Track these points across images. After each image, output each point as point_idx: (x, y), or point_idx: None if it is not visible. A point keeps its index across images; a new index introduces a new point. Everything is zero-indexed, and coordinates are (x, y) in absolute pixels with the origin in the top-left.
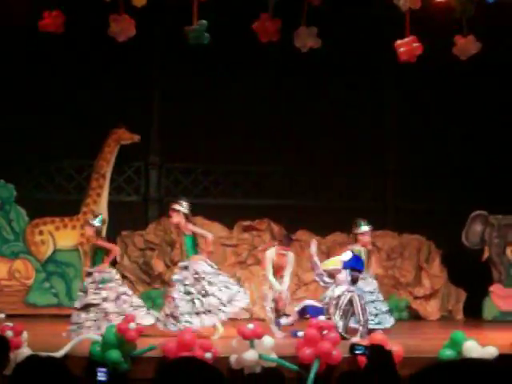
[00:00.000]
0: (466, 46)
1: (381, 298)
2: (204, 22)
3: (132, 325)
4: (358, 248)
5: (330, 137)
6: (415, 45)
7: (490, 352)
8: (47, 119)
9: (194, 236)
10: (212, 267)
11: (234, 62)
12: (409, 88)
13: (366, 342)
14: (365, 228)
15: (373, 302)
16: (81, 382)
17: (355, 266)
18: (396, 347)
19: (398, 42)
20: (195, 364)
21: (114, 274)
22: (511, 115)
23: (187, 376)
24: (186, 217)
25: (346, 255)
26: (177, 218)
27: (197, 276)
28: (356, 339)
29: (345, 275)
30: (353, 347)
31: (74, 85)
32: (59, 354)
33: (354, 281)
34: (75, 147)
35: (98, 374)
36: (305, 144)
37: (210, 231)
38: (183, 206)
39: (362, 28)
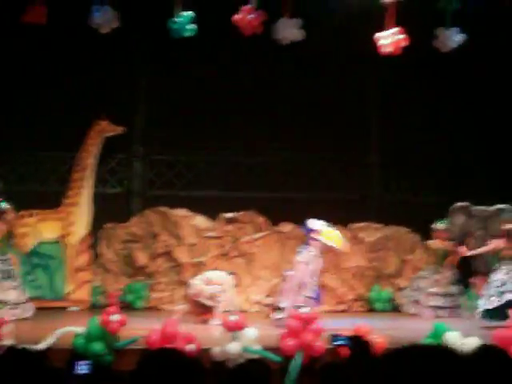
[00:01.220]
0: (448, 38)
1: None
2: (189, 13)
3: (115, 317)
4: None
5: (313, 129)
6: (400, 36)
7: (471, 342)
8: (29, 111)
9: None
10: None
11: (219, 53)
12: (393, 80)
13: (348, 333)
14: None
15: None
16: (63, 374)
17: None
18: (379, 338)
19: (380, 33)
20: (175, 355)
21: None
22: (496, 106)
23: (166, 367)
24: None
25: None
26: None
27: None
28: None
29: None
30: (333, 338)
31: (57, 76)
32: (41, 346)
33: None
34: (58, 139)
35: (79, 367)
36: (289, 136)
37: (193, 223)
38: None
39: (345, 19)
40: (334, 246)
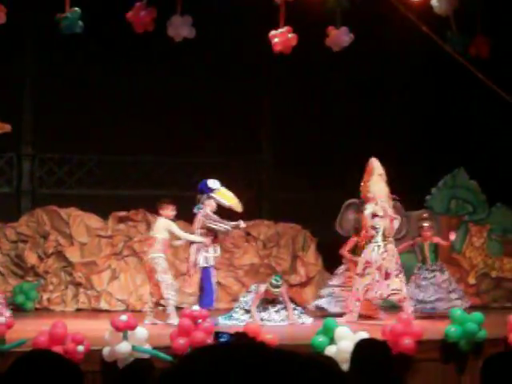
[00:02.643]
0: (339, 37)
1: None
2: (77, 9)
3: (1, 319)
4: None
5: (203, 126)
6: (290, 35)
7: (361, 337)
8: None
9: None
10: None
11: (108, 50)
12: (283, 78)
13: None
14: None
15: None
16: None
17: None
18: (269, 335)
19: (273, 32)
20: (47, 356)
21: None
22: (381, 102)
23: (36, 369)
24: None
25: None
26: None
27: None
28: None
29: None
30: (217, 335)
31: None
32: None
33: None
34: None
35: None
36: (180, 133)
37: (84, 222)
38: None
39: (237, 18)
40: (231, 204)
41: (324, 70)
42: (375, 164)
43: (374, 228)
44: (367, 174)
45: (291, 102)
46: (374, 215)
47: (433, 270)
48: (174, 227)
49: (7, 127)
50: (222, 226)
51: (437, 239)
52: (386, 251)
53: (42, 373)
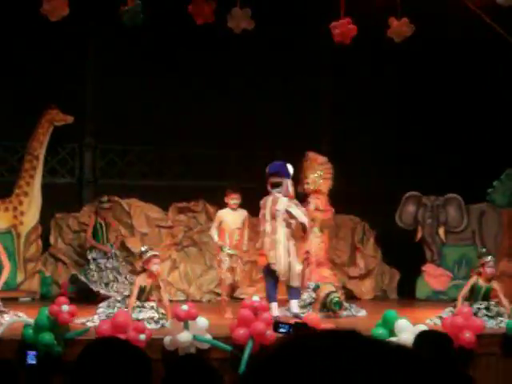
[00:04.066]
0: (400, 28)
1: None
2: (138, 2)
3: (65, 307)
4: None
5: (264, 122)
6: (350, 26)
7: (421, 329)
8: None
9: None
10: None
11: (169, 42)
12: (343, 71)
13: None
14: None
15: None
16: (13, 365)
17: None
18: (329, 326)
19: (333, 23)
20: (118, 344)
21: None
22: (445, 95)
23: (109, 357)
24: None
25: None
26: None
27: None
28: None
29: None
30: (277, 325)
31: (6, 65)
32: None
33: None
34: (8, 128)
35: (28, 357)
36: (241, 128)
37: (145, 213)
38: None
39: (298, 10)
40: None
41: (384, 61)
42: (317, 157)
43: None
44: (310, 168)
45: (350, 93)
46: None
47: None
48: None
49: (69, 118)
50: (303, 213)
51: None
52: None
53: (113, 359)
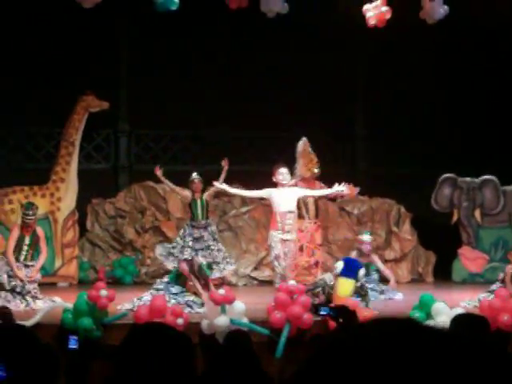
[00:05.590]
0: (433, 9)
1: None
2: None
3: (104, 292)
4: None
5: (298, 101)
6: (384, 9)
7: (458, 312)
8: (16, 88)
9: None
10: None
11: (201, 27)
12: (377, 52)
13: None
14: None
15: None
16: (52, 349)
17: (350, 273)
18: (367, 310)
19: (367, 5)
20: (163, 329)
21: None
22: (479, 77)
23: (154, 341)
24: None
25: (338, 266)
26: None
27: None
28: None
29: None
30: (317, 308)
31: (42, 52)
32: (30, 322)
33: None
34: (44, 115)
35: (70, 341)
36: (275, 109)
37: (180, 198)
38: None
39: None
40: None
41: (418, 44)
42: (306, 147)
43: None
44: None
45: (385, 77)
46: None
47: None
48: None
49: (105, 104)
50: None
51: None
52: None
53: (159, 344)
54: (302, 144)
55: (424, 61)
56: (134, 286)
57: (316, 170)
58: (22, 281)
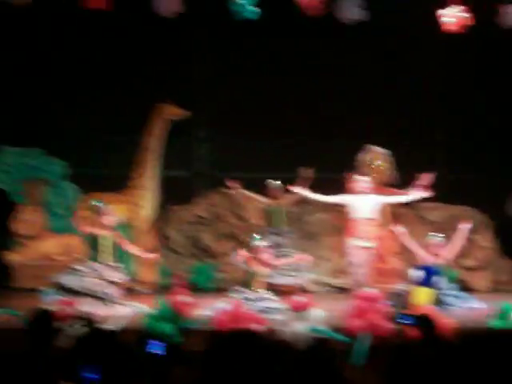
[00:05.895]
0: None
1: None
2: None
3: (185, 298)
4: None
5: (377, 108)
6: (465, 15)
7: None
8: (94, 95)
9: None
10: None
11: (279, 35)
12: (456, 58)
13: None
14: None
15: None
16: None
17: (427, 281)
18: (447, 318)
19: (443, 11)
20: (249, 336)
21: None
22: None
23: (240, 348)
24: None
25: (416, 275)
26: None
27: None
28: None
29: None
30: (398, 316)
31: (122, 60)
32: (115, 327)
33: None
34: (123, 123)
35: (154, 347)
36: (353, 116)
37: (257, 205)
38: None
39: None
40: None
41: (493, 48)
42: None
43: None
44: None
45: (465, 82)
46: None
47: None
48: None
49: (184, 112)
50: None
51: None
52: None
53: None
54: (372, 152)
55: (503, 65)
56: (211, 293)
57: (389, 177)
58: (112, 283)
